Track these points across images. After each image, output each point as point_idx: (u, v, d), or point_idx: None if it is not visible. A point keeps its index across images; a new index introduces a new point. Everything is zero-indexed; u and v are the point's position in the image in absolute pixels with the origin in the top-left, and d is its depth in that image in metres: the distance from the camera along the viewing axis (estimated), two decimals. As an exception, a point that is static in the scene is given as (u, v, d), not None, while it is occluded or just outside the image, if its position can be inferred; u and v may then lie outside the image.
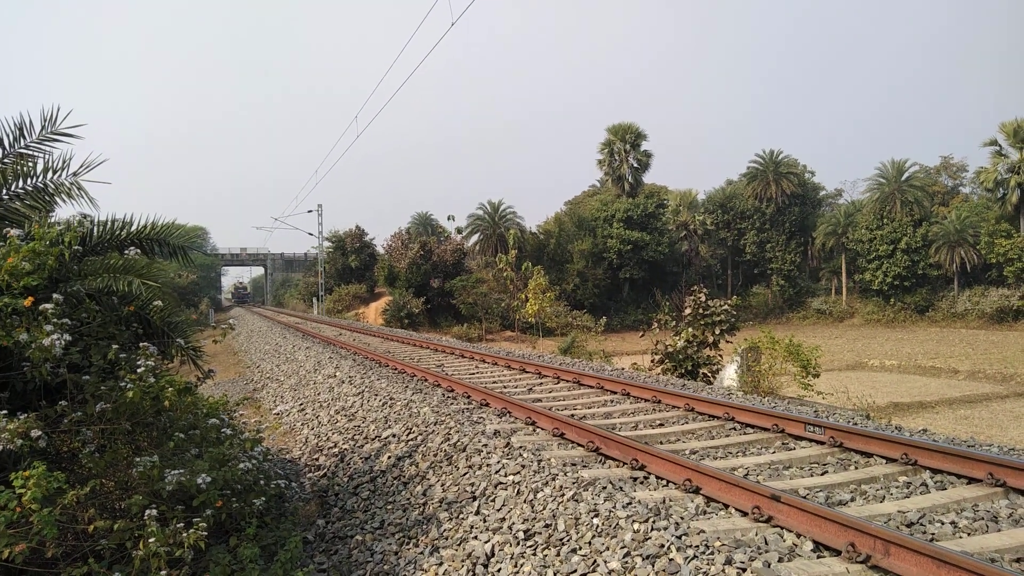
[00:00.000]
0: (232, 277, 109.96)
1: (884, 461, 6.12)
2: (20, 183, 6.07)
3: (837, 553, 4.06)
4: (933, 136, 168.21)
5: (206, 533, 4.43)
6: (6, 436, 3.99)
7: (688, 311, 19.04)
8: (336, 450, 9.11)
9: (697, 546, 4.12)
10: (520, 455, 6.37)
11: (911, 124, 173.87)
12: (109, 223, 6.45)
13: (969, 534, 4.47)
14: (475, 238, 66.88)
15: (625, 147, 68.58)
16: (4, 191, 5.97)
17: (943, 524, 4.61)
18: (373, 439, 8.79)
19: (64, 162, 6.27)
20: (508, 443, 6.83)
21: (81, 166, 6.35)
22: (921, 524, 4.62)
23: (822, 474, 5.94)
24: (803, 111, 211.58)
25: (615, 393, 10.05)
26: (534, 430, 7.64)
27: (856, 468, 6.07)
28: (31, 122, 6.31)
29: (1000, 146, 56.62)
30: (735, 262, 73.54)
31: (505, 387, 11.09)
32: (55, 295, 4.70)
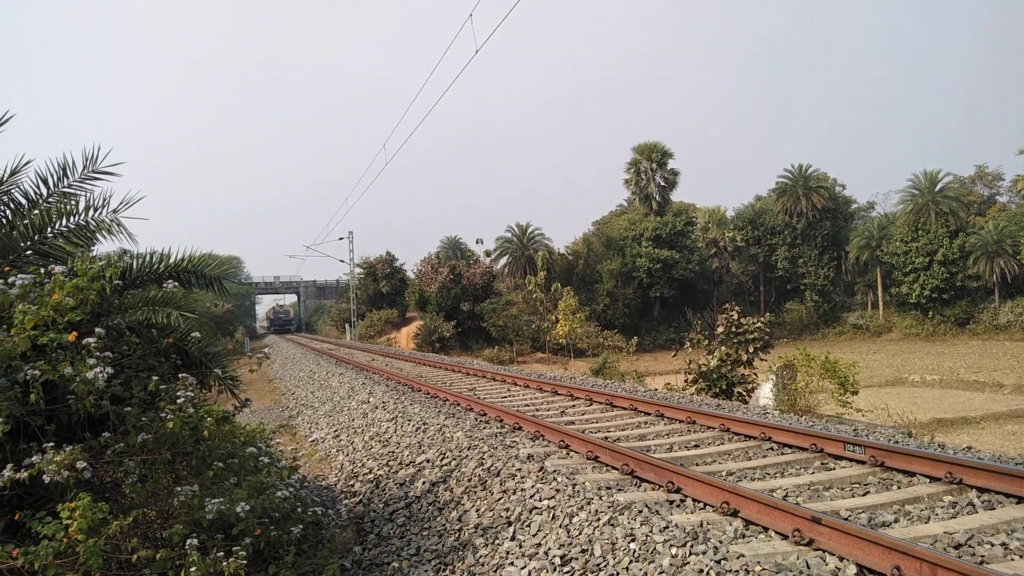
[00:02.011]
0: (265, 305, 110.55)
1: (928, 480, 5.97)
2: (64, 221, 6.27)
3: (882, 577, 3.97)
4: (967, 146, 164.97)
5: (245, 561, 4.49)
6: (53, 468, 4.10)
7: (721, 329, 18.88)
8: (371, 476, 9.15)
9: (737, 571, 4.05)
10: (554, 479, 6.34)
11: (944, 134, 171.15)
12: (148, 257, 6.64)
13: (1021, 556, 4.33)
14: (504, 260, 67.21)
15: (651, 166, 68.40)
16: (49, 229, 6.17)
17: (993, 546, 4.47)
18: (407, 464, 8.82)
19: (104, 200, 6.47)
20: (542, 467, 6.80)
21: (121, 203, 6.55)
22: (969, 546, 4.49)
23: (863, 495, 5.81)
24: (833, 124, 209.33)
25: (648, 415, 9.96)
26: (568, 453, 7.60)
27: (899, 488, 5.93)
28: (73, 162, 6.52)
29: (1037, 153, 55.53)
30: (767, 278, 72.68)
31: (537, 410, 11.06)
32: (97, 329, 4.83)
